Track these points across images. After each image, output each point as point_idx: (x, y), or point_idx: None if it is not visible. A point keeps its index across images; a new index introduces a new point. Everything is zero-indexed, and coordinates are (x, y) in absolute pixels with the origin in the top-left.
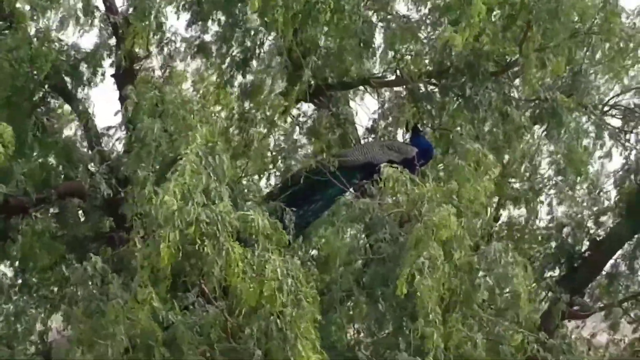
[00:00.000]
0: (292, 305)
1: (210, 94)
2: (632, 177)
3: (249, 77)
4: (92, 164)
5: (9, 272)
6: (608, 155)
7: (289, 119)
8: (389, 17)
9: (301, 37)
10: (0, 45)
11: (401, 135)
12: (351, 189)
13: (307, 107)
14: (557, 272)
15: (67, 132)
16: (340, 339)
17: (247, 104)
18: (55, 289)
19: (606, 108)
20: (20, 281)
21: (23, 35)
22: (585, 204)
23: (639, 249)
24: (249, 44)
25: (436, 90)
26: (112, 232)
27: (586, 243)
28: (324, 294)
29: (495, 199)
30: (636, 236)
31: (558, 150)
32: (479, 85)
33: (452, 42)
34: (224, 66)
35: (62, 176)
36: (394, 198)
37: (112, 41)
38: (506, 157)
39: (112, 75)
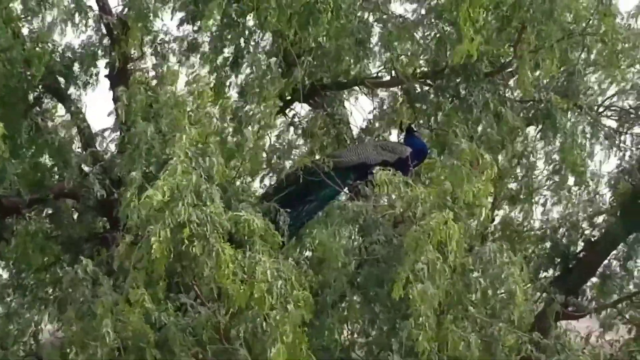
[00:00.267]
0: (280, 308)
1: (204, 94)
2: (627, 178)
3: (243, 77)
4: (86, 165)
5: (4, 273)
6: (603, 156)
7: (283, 119)
8: (384, 17)
9: (298, 36)
10: None
11: (396, 136)
12: (345, 190)
13: (301, 108)
14: (551, 272)
15: (61, 132)
16: (333, 341)
17: (241, 104)
18: (50, 290)
19: (601, 109)
20: (14, 282)
21: (16, 36)
22: (580, 204)
23: (633, 249)
24: (243, 44)
25: (431, 90)
26: (105, 232)
27: (581, 244)
28: (318, 295)
29: (491, 200)
30: (631, 237)
31: (553, 151)
32: (474, 86)
33: (460, 54)
34: (218, 62)
35: (56, 177)
36: (388, 200)
37: (105, 41)
38: (500, 157)
39: (106, 76)
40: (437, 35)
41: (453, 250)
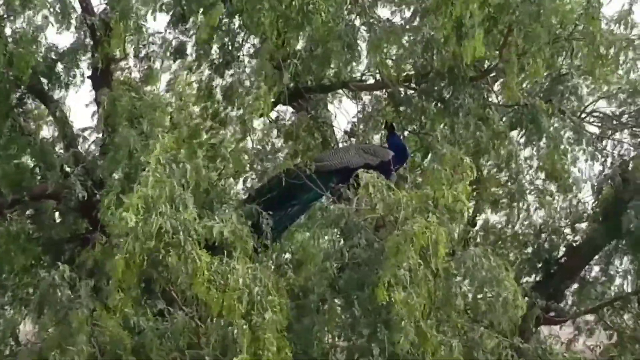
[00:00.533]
0: (257, 315)
1: (188, 95)
2: (610, 183)
3: (228, 79)
4: (68, 166)
5: None
6: (587, 159)
7: (266, 122)
8: (371, 20)
9: (284, 39)
10: None
11: (379, 139)
12: (327, 193)
13: (285, 109)
14: (533, 277)
15: (44, 133)
16: (314, 344)
17: (225, 106)
18: (30, 290)
19: (584, 115)
20: None
21: None
22: (562, 210)
23: (615, 255)
24: (229, 47)
25: (415, 94)
26: (87, 233)
27: (562, 249)
28: (299, 298)
29: (472, 204)
30: (612, 243)
31: (537, 156)
32: (459, 90)
33: (467, 53)
34: (202, 67)
35: (38, 178)
36: (369, 203)
37: (88, 41)
38: (484, 162)
39: (89, 77)
40: (423, 40)
41: (435, 255)
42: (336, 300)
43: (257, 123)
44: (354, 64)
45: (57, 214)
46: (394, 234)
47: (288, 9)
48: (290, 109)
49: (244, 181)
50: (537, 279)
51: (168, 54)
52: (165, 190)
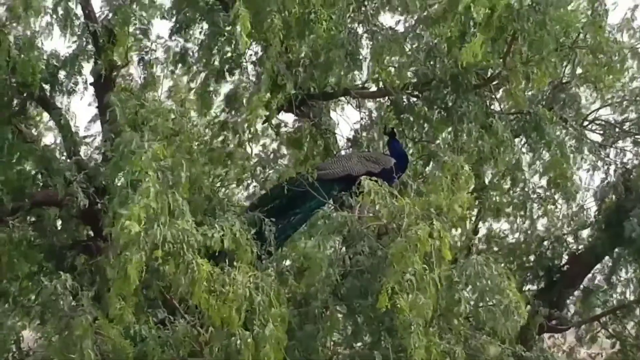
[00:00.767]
0: (259, 325)
1: (190, 102)
2: (612, 191)
3: (231, 86)
4: (70, 173)
5: None
6: (589, 169)
7: (269, 129)
8: (374, 28)
9: (287, 46)
10: None
11: (381, 146)
12: (330, 201)
13: (286, 117)
14: (535, 285)
15: (46, 140)
16: (316, 351)
17: (228, 113)
18: (32, 297)
19: (586, 123)
20: None
21: (1, 43)
22: (565, 218)
23: (617, 263)
24: (230, 53)
25: (419, 102)
26: (89, 240)
27: (565, 257)
28: (301, 305)
29: (475, 212)
30: (615, 251)
31: (540, 164)
32: (462, 97)
33: (464, 58)
34: (203, 74)
35: (40, 184)
36: (372, 211)
37: (90, 47)
38: (487, 170)
39: (92, 84)
40: (426, 47)
41: (439, 261)
42: (338, 308)
43: (260, 130)
44: (357, 71)
45: (59, 221)
46: (398, 241)
47: (290, 16)
48: (292, 116)
49: (246, 188)
50: (540, 286)
51: (170, 60)
52: (166, 201)
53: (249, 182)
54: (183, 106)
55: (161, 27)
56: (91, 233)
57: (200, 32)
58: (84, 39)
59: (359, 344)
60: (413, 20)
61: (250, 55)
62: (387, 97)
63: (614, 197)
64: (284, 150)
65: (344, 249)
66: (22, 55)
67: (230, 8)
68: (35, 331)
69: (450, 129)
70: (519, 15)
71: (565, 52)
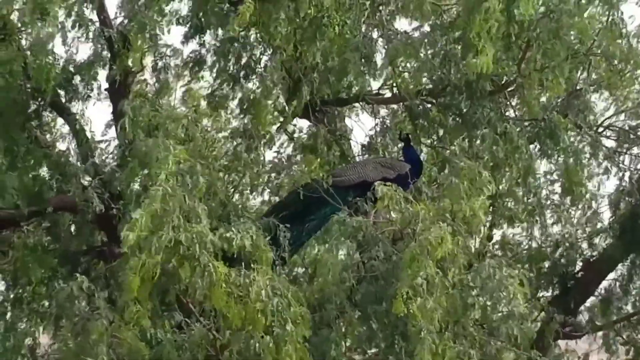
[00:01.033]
0: (278, 326)
1: (203, 108)
2: (627, 198)
3: (246, 93)
4: (85, 178)
5: (1, 286)
6: (603, 176)
7: (283, 135)
8: (389, 33)
9: (301, 52)
10: None
11: (396, 152)
12: (345, 207)
13: (299, 123)
14: (550, 292)
15: (61, 145)
16: (332, 357)
17: (243, 119)
18: (46, 303)
19: (601, 129)
20: (12, 295)
21: (16, 48)
22: (579, 224)
23: (632, 270)
24: (245, 59)
25: (433, 108)
26: (103, 246)
27: (579, 264)
28: (316, 311)
29: (489, 218)
30: (630, 257)
31: (554, 170)
32: (477, 104)
33: (473, 69)
34: (219, 80)
35: (55, 190)
36: (387, 216)
37: (105, 53)
38: (501, 176)
39: (106, 89)
40: (442, 52)
41: (453, 265)
42: (353, 314)
43: (275, 136)
44: (371, 77)
45: (73, 226)
46: (412, 245)
47: (303, 21)
48: (307, 123)
49: (261, 194)
50: (554, 293)
51: (184, 65)
52: (175, 203)
53: (263, 188)
54: (197, 112)
55: (176, 33)
56: (105, 238)
57: (215, 38)
58: (99, 45)
59: (373, 350)
60: (428, 26)
61: (266, 60)
62: (401, 103)
63: (629, 203)
64: (298, 157)
65: (357, 254)
66: (37, 61)
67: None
68: (49, 336)
69: (465, 134)
70: (533, 23)
71: (580, 59)
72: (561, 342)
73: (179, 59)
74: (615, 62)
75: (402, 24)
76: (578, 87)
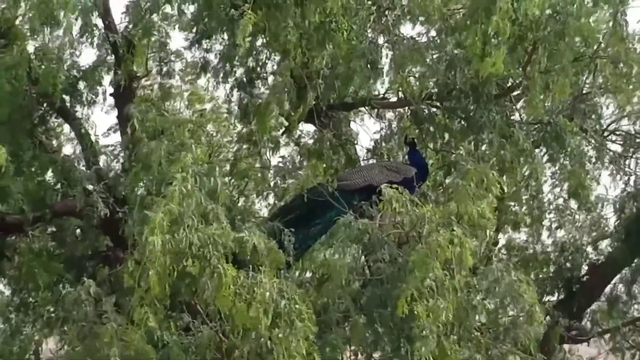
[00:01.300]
0: (285, 326)
1: (208, 113)
2: (632, 202)
3: (251, 97)
4: (90, 183)
5: (6, 291)
6: (609, 180)
7: (288, 139)
8: (395, 38)
9: (308, 57)
10: None
11: (401, 156)
12: (350, 211)
13: (304, 127)
14: (555, 296)
15: (66, 150)
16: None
17: (248, 124)
18: (52, 308)
19: (606, 133)
20: (17, 300)
21: (22, 54)
22: (585, 228)
23: (637, 274)
24: (251, 64)
25: (439, 112)
26: (109, 251)
27: (585, 268)
28: (320, 314)
29: (495, 222)
30: (635, 261)
31: (560, 174)
32: (482, 107)
33: (485, 69)
34: (227, 86)
35: (60, 195)
36: (393, 219)
37: (110, 58)
38: (507, 179)
39: (111, 94)
40: (447, 57)
41: (460, 267)
42: (358, 318)
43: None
44: (377, 81)
45: (78, 231)
46: (419, 247)
47: (311, 26)
48: (313, 127)
49: (266, 198)
50: (560, 297)
51: (190, 71)
52: (191, 203)
53: (268, 192)
54: (203, 117)
55: (180, 39)
56: (110, 243)
57: (220, 43)
58: (104, 50)
59: (378, 354)
60: (434, 31)
61: (273, 65)
62: (407, 108)
63: (634, 207)
64: (304, 161)
65: (363, 258)
66: (43, 66)
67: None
68: (56, 341)
69: (470, 138)
70: (539, 25)
71: (585, 62)
72: (566, 347)
73: (184, 64)
74: (621, 65)
75: (408, 29)
76: (584, 92)
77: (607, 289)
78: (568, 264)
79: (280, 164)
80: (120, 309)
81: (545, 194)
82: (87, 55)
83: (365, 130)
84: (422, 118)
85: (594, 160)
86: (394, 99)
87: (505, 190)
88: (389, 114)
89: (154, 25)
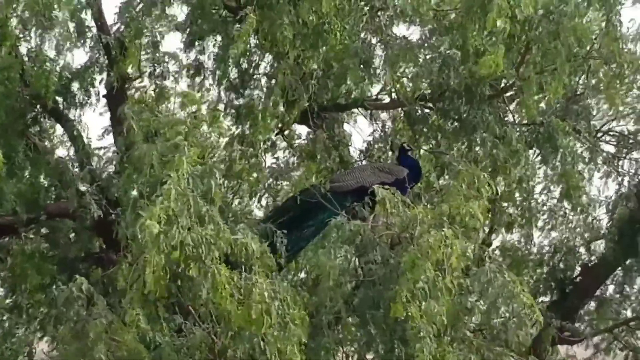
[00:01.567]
0: (278, 328)
1: (203, 114)
2: (625, 203)
3: (244, 99)
4: (82, 184)
5: None
6: (601, 181)
7: (282, 140)
8: (388, 38)
9: (301, 58)
10: None
11: (394, 158)
12: (343, 212)
13: (299, 129)
14: (548, 297)
15: (59, 152)
16: None
17: (241, 126)
18: (45, 310)
19: (600, 134)
20: (10, 302)
21: (14, 56)
22: (577, 229)
23: (630, 275)
24: (245, 65)
25: (432, 113)
26: (102, 252)
27: (577, 269)
28: (313, 316)
29: (487, 223)
30: (627, 262)
31: (552, 175)
32: (476, 108)
33: (483, 68)
34: (221, 87)
35: (53, 197)
36: (385, 220)
37: (102, 59)
38: (500, 181)
39: (104, 96)
40: (440, 58)
41: (451, 268)
42: (350, 319)
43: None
44: (370, 82)
45: (71, 232)
46: (410, 249)
47: (304, 27)
48: (306, 128)
49: (259, 200)
50: (553, 298)
51: (183, 72)
52: (187, 204)
53: (261, 194)
54: (196, 118)
55: (174, 40)
56: (104, 245)
57: (213, 45)
58: (97, 51)
59: (371, 356)
60: (427, 31)
61: (265, 66)
62: (400, 109)
63: (627, 208)
64: (297, 162)
65: (355, 259)
66: (35, 68)
67: (244, 20)
68: (48, 343)
69: (464, 139)
70: (532, 25)
71: (579, 62)
72: (560, 348)
73: (177, 65)
74: (614, 65)
75: (401, 30)
76: (577, 92)
77: (600, 290)
78: (561, 265)
79: (274, 165)
80: (113, 309)
81: (539, 195)
82: (80, 57)
83: (358, 132)
84: (415, 119)
85: (587, 161)
86: (387, 100)
87: (498, 192)
88: (383, 115)
89: (145, 26)
